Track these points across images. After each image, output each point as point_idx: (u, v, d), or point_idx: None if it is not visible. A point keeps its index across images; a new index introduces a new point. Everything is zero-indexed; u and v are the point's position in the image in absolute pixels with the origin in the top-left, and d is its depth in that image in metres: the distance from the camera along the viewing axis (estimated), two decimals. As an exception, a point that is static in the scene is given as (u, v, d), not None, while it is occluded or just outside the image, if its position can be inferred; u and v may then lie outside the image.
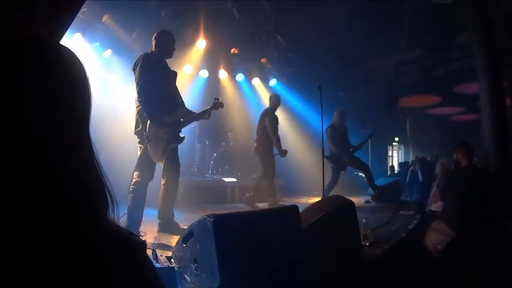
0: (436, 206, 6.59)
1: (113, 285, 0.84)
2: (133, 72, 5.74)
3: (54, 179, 0.83)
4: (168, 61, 6.03)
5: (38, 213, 0.79)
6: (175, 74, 6.10)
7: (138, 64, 5.63)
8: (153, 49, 5.90)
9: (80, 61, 0.96)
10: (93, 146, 0.95)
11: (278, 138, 8.95)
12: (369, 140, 11.52)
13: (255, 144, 9.20)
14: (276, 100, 9.25)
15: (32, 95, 0.83)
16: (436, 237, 5.48)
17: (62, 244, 0.79)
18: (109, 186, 0.94)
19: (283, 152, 9.01)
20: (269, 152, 8.98)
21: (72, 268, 0.79)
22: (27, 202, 0.79)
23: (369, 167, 10.73)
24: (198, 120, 6.49)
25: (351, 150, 10.33)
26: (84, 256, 0.81)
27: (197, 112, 6.21)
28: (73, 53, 0.96)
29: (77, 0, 2.88)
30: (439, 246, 5.28)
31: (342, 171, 10.23)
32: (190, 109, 6.18)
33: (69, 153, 0.87)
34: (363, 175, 10.58)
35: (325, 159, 8.09)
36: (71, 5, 2.69)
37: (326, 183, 8.36)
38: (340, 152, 9.91)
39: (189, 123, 6.20)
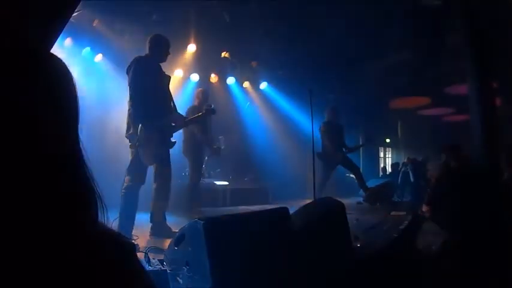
0: None
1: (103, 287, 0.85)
2: (126, 76, 5.74)
3: (42, 182, 0.84)
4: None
5: (25, 215, 0.80)
6: (168, 78, 6.10)
7: (131, 67, 5.62)
8: (147, 53, 5.90)
9: (68, 70, 0.98)
10: (83, 150, 0.96)
11: (208, 138, 8.56)
12: (360, 142, 11.57)
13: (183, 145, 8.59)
14: (200, 95, 8.64)
15: (20, 101, 0.83)
16: (429, 239, 5.51)
17: (50, 246, 0.80)
18: (98, 190, 0.96)
19: (216, 151, 8.77)
20: (197, 153, 8.59)
21: (60, 271, 0.80)
22: (14, 204, 0.79)
23: (361, 168, 10.76)
24: (189, 125, 6.51)
25: (344, 150, 10.34)
26: (73, 258, 0.82)
27: (189, 118, 6.23)
28: (62, 62, 0.98)
29: (70, 7, 2.88)
30: (433, 247, 5.31)
31: (333, 171, 10.25)
32: (182, 114, 6.20)
33: (58, 157, 0.88)
34: (353, 176, 10.60)
35: (316, 156, 8.09)
36: (64, 11, 2.70)
37: (317, 184, 8.36)
38: (334, 149, 9.91)
39: (180, 128, 6.21)
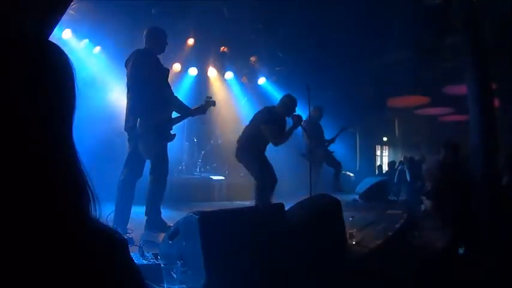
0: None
1: (93, 284, 0.84)
2: (124, 69, 5.73)
3: (34, 177, 0.83)
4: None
5: (16, 211, 0.79)
6: (167, 71, 6.09)
7: (130, 61, 5.61)
8: (145, 45, 5.89)
9: (67, 58, 0.96)
10: (74, 143, 0.94)
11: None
12: (357, 139, 11.58)
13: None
14: (287, 103, 7.57)
15: (16, 92, 0.82)
16: (431, 236, 5.52)
17: (41, 243, 0.79)
18: (90, 184, 0.94)
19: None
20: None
21: (51, 267, 0.79)
22: (5, 200, 0.78)
23: (357, 166, 10.78)
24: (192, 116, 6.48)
25: (325, 144, 10.43)
26: (64, 255, 0.81)
27: (190, 109, 6.24)
28: (60, 49, 0.96)
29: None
30: (435, 243, 5.32)
31: (320, 168, 10.30)
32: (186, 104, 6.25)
33: (50, 150, 0.87)
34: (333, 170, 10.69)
35: (301, 157, 8.08)
36: (61, 1, 2.69)
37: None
38: (314, 147, 9.92)
39: (180, 121, 6.19)
